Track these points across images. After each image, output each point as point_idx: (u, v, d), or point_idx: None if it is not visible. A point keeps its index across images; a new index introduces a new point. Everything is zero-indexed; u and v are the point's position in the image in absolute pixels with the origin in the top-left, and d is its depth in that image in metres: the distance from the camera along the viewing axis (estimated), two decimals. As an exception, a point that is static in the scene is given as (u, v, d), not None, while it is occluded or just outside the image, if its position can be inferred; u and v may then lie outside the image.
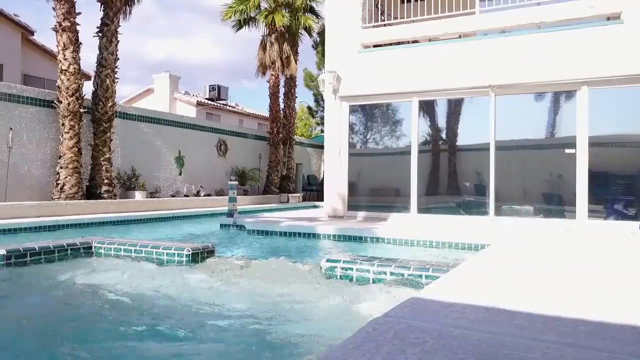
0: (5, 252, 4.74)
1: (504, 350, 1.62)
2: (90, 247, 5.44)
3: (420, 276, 3.79)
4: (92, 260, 5.28)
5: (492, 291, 2.73)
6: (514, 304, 2.30)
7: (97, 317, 3.50)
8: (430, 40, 10.38)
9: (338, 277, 4.12)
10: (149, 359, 2.83)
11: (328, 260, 4.22)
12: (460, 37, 10.14)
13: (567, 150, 8.62)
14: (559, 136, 9.16)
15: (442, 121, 10.20)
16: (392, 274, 3.89)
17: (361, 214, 10.41)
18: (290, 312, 3.51)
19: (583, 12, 8.52)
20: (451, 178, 10.15)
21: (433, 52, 9.76)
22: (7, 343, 2.98)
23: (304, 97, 41.86)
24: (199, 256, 5.08)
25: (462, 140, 10.03)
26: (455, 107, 9.97)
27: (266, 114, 19.99)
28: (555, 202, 9.05)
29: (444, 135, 10.26)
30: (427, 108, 9.97)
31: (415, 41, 10.42)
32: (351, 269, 4.07)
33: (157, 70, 77.58)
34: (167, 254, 5.04)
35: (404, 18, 10.52)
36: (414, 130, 9.87)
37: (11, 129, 10.97)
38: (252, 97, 77.14)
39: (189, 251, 4.98)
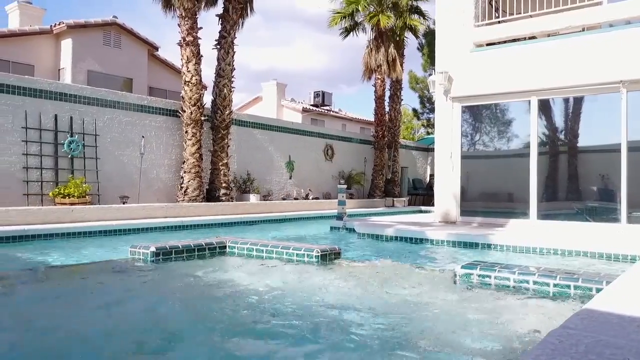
0: (155, 249, 5.20)
1: None
2: (225, 247, 5.80)
3: (569, 286, 3.56)
4: (226, 259, 5.63)
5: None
6: None
7: (239, 313, 3.69)
8: (549, 35, 9.79)
9: (474, 284, 4.01)
10: (285, 357, 2.90)
11: (463, 267, 4.11)
12: (583, 30, 9.46)
13: None
14: None
15: (561, 120, 9.57)
16: (535, 282, 3.70)
17: (475, 220, 10.06)
18: (427, 318, 3.47)
19: None
20: (573, 182, 9.49)
21: (553, 47, 9.20)
22: (154, 335, 3.19)
23: (408, 100, 41.46)
24: (327, 257, 5.21)
25: (585, 140, 9.35)
26: (575, 106, 9.32)
27: (368, 118, 19.99)
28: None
29: (563, 136, 9.63)
30: (545, 107, 9.41)
31: (532, 37, 9.89)
32: (489, 276, 3.93)
33: (260, 78, 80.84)
34: (297, 254, 5.23)
35: (520, 13, 10.03)
36: (533, 131, 9.37)
37: (143, 136, 12.04)
38: (351, 102, 77.77)
39: (318, 252, 5.12)
